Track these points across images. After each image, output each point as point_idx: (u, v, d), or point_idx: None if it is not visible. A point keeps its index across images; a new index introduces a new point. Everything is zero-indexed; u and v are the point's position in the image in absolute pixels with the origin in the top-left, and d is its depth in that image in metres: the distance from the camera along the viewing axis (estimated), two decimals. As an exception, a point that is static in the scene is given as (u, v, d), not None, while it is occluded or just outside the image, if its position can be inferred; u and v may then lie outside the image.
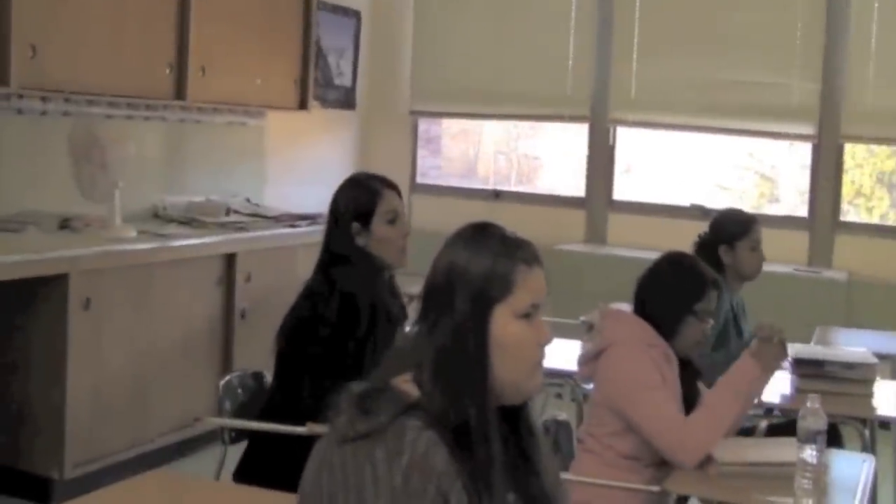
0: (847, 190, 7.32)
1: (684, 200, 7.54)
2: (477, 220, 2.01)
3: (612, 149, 7.66)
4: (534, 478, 1.99)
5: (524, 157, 8.60)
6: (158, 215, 6.03)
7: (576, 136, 7.89)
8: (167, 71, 5.67)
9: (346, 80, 7.71)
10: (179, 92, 5.77)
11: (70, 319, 4.76)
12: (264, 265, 5.92)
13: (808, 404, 2.83)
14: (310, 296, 3.49)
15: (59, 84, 5.11)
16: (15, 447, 4.81)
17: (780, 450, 3.04)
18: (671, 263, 3.42)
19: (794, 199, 7.63)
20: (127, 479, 2.73)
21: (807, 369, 4.02)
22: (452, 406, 1.84)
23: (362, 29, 7.82)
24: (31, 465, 4.81)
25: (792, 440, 2.90)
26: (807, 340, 4.78)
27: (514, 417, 1.97)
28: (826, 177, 7.14)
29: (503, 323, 1.89)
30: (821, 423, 2.80)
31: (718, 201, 7.45)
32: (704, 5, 7.25)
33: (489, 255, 1.91)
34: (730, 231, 4.44)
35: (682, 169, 7.94)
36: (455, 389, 1.85)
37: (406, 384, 1.90)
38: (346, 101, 7.77)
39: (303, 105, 6.75)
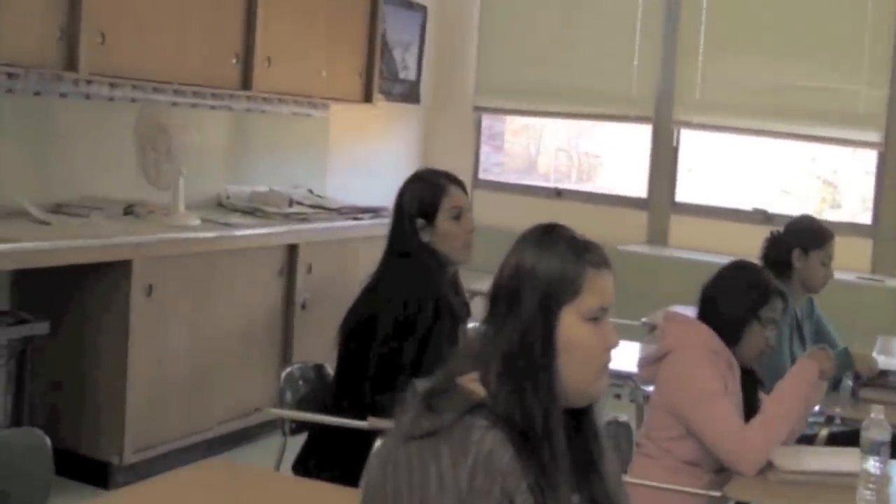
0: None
1: (746, 204, 7.47)
2: (540, 218, 2.02)
3: (675, 150, 7.61)
4: (597, 480, 2.00)
5: (585, 154, 8.57)
6: (222, 204, 6.06)
7: (637, 135, 7.84)
8: (233, 61, 5.70)
9: (410, 75, 7.72)
10: (245, 82, 5.79)
11: (132, 305, 4.80)
12: (326, 257, 5.94)
13: (873, 415, 2.80)
14: (373, 291, 3.50)
15: (126, 71, 5.15)
16: (76, 432, 4.85)
17: (843, 459, 3.01)
18: (738, 270, 3.44)
19: (856, 206, 7.57)
20: (185, 465, 2.75)
21: (869, 379, 4.00)
22: (518, 407, 1.85)
23: (428, 23, 7.82)
24: (91, 449, 4.85)
25: (854, 450, 2.88)
26: (869, 350, 4.72)
27: (580, 419, 1.98)
28: (892, 184, 7.04)
29: (570, 325, 1.90)
30: (885, 434, 2.77)
31: (780, 205, 7.38)
32: (772, 7, 7.17)
33: (557, 257, 1.91)
34: (808, 238, 4.40)
35: (743, 172, 7.87)
36: (521, 390, 1.86)
37: (472, 383, 1.90)
38: (411, 95, 7.78)
39: (367, 98, 6.75)
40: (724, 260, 6.53)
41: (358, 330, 3.44)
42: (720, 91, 7.32)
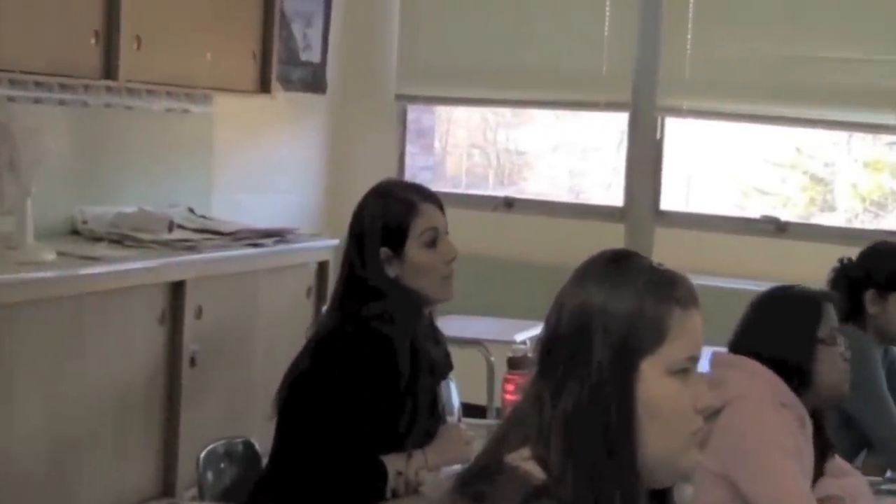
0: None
1: (752, 211, 7.58)
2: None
3: (659, 145, 7.66)
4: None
5: (504, 151, 8.69)
6: (78, 231, 5.96)
7: (576, 127, 8.15)
8: (92, 41, 5.60)
9: (314, 56, 7.68)
10: (108, 68, 5.69)
11: (-27, 369, 4.70)
12: (220, 297, 5.90)
13: None
14: (326, 342, 3.45)
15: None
16: None
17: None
18: (771, 299, 3.50)
19: (854, 206, 7.88)
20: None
21: None
22: (591, 491, 1.85)
23: (336, -12, 7.83)
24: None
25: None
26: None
27: (660, 499, 2.01)
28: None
29: (653, 381, 1.92)
30: None
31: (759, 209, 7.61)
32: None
33: (634, 293, 1.95)
34: (886, 275, 4.41)
35: (730, 169, 8.06)
36: (594, 468, 1.87)
37: (526, 462, 1.90)
38: (315, 82, 7.74)
39: (264, 87, 6.72)
40: (727, 283, 6.66)
41: (308, 393, 3.38)
42: (715, 68, 7.37)
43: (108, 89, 6.06)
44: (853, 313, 4.29)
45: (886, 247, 4.61)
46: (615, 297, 1.93)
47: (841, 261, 4.51)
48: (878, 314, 4.38)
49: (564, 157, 8.61)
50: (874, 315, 4.38)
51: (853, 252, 4.66)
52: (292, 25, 7.40)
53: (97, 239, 5.83)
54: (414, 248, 3.48)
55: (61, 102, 5.95)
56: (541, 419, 1.90)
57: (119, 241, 5.80)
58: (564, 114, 8.31)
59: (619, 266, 2.00)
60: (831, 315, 3.40)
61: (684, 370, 1.93)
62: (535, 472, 1.87)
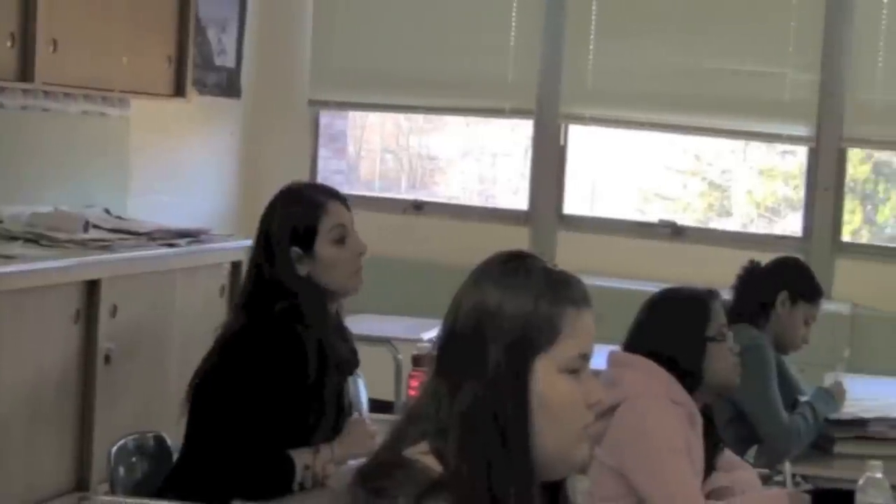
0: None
1: (652, 216, 7.67)
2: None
3: (562, 151, 7.74)
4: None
5: (417, 156, 8.71)
6: (-6, 230, 5.89)
7: (482, 132, 8.17)
8: (8, 43, 5.54)
9: (228, 61, 7.65)
10: (24, 70, 5.62)
11: None
12: (135, 295, 5.82)
13: (869, 474, 2.94)
14: (235, 339, 3.45)
15: None
16: None
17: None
18: (661, 300, 3.56)
19: (749, 212, 7.99)
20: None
21: (846, 431, 4.10)
22: (487, 485, 1.86)
23: (250, -6, 7.80)
24: None
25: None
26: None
27: (553, 494, 2.01)
28: (825, 188, 7.26)
29: (547, 378, 1.92)
30: (886, 496, 2.91)
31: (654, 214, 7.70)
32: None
33: (528, 294, 1.95)
34: (802, 286, 4.57)
35: (631, 175, 8.14)
36: (490, 462, 1.87)
37: (424, 456, 1.91)
38: (229, 86, 7.71)
39: (180, 91, 6.67)
40: (626, 285, 6.74)
41: (216, 389, 3.38)
42: (616, 78, 7.46)
43: (25, 91, 5.98)
44: (757, 313, 4.41)
45: (802, 263, 4.82)
46: (510, 297, 1.94)
47: (751, 262, 4.62)
48: (783, 316, 4.50)
49: (475, 162, 8.64)
50: (780, 316, 4.50)
51: (746, 255, 4.78)
52: (207, 31, 7.36)
53: (12, 238, 5.74)
54: (324, 246, 3.50)
55: (-23, 105, 5.89)
56: (438, 415, 1.91)
57: (35, 240, 5.72)
58: (476, 120, 8.33)
59: (514, 267, 2.00)
60: (719, 312, 3.48)
61: (576, 368, 1.95)
62: (434, 465, 1.88)
